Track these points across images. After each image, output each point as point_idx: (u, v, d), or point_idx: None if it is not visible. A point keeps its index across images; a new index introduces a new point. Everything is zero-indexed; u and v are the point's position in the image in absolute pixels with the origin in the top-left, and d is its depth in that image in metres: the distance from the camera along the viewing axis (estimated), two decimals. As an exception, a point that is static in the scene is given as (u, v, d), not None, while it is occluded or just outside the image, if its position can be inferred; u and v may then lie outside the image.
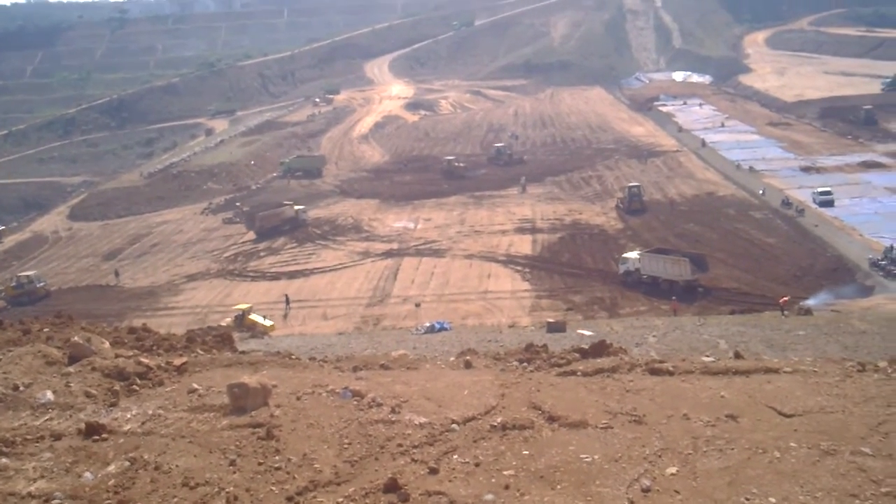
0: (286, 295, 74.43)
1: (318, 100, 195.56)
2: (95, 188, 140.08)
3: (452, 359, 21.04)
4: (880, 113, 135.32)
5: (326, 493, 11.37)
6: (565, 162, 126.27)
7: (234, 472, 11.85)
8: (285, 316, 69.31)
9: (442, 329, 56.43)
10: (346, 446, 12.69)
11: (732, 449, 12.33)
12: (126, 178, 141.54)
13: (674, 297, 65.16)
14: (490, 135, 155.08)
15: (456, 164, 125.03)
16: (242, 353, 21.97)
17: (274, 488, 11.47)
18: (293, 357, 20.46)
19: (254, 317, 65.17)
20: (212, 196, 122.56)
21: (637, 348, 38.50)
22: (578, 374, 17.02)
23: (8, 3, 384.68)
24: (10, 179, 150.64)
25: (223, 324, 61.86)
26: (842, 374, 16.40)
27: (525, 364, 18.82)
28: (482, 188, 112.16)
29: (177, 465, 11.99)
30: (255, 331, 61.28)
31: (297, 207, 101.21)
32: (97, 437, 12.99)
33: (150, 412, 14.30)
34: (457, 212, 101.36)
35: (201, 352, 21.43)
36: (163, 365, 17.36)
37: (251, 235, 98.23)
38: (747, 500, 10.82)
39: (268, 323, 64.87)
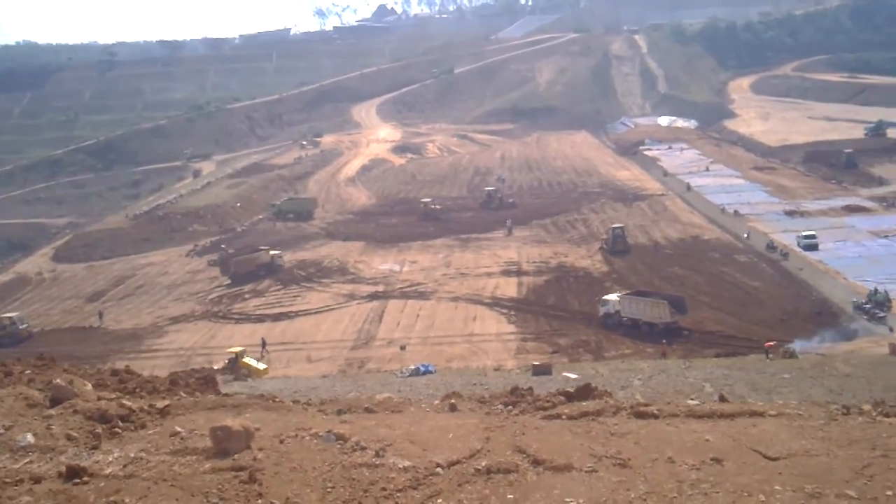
0: (263, 339, 74.04)
1: (305, 142, 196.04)
2: (80, 230, 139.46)
3: (437, 402, 20.97)
4: (863, 157, 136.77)
5: (309, 538, 11.29)
6: (551, 205, 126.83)
7: (216, 517, 11.74)
8: (260, 359, 68.64)
9: (427, 372, 56.23)
10: (329, 490, 12.59)
11: (717, 492, 12.30)
12: (111, 220, 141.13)
13: (664, 341, 65.31)
14: (477, 178, 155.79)
15: (432, 206, 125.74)
16: (226, 395, 21.82)
17: (256, 532, 11.37)
18: (276, 400, 20.35)
19: (247, 360, 64.63)
20: (197, 238, 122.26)
21: (622, 391, 38.44)
22: (563, 417, 16.98)
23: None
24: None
25: (215, 367, 61.55)
26: (826, 417, 16.44)
27: (510, 407, 18.77)
28: (468, 231, 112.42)
29: (158, 510, 11.86)
30: (249, 374, 60.88)
31: (272, 252, 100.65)
32: (78, 481, 12.82)
33: (132, 455, 14.15)
34: (442, 254, 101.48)
35: (184, 394, 21.28)
36: (145, 407, 17.21)
37: (226, 280, 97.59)
38: (732, 544, 10.80)
39: (261, 366, 64.22)
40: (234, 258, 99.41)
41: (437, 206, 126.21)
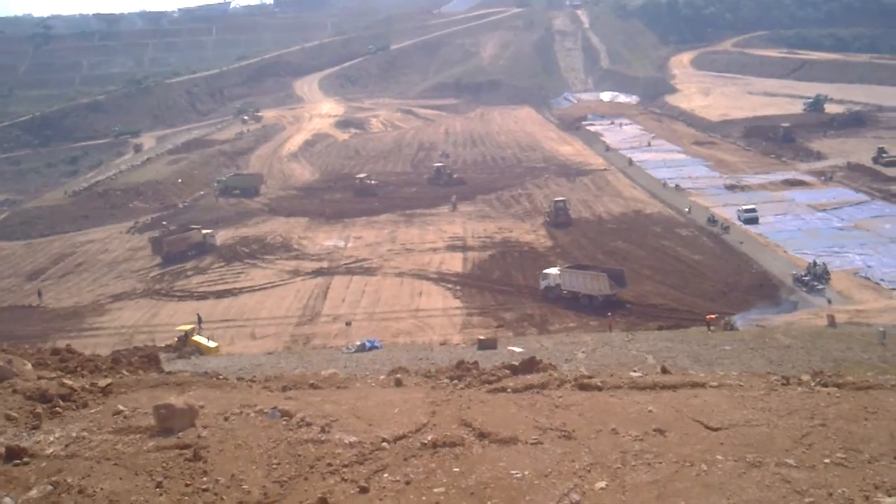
0: (198, 314, 73.41)
1: (246, 117, 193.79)
2: (18, 207, 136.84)
3: (383, 377, 20.98)
4: (802, 132, 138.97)
5: (256, 514, 11.26)
6: (495, 180, 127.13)
7: (161, 495, 11.64)
8: (196, 330, 67.85)
9: (373, 347, 56.13)
10: (275, 466, 12.56)
11: (660, 463, 12.48)
12: (50, 197, 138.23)
13: (609, 314, 65.97)
14: (421, 153, 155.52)
15: (367, 181, 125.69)
16: (169, 373, 21.60)
17: (202, 510, 11.32)
18: (221, 377, 20.23)
19: (197, 338, 63.72)
20: (138, 215, 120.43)
21: (566, 364, 38.75)
22: (508, 390, 17.10)
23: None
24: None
25: (166, 344, 60.91)
26: (767, 387, 16.74)
27: (456, 381, 18.86)
28: (413, 206, 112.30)
29: (101, 489, 11.72)
30: (200, 352, 60.03)
31: (204, 232, 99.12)
32: (18, 462, 12.62)
33: (74, 435, 13.96)
34: (388, 230, 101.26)
35: (127, 373, 21.04)
36: (87, 386, 16.96)
37: (158, 260, 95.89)
38: (675, 512, 10.97)
39: (212, 344, 63.09)
40: (165, 238, 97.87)
41: (373, 182, 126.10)
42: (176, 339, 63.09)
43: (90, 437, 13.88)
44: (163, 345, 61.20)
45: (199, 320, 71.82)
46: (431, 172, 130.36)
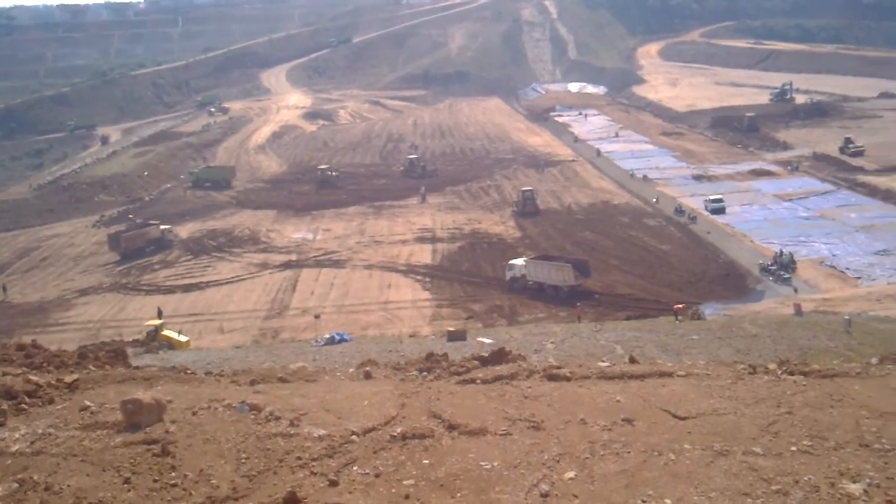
0: (158, 308, 72.96)
1: (213, 109, 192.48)
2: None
3: (352, 370, 20.96)
4: (769, 123, 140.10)
5: (224, 509, 11.21)
6: (464, 172, 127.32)
7: (129, 491, 11.56)
8: (165, 325, 67.36)
9: (342, 340, 55.93)
10: (243, 461, 12.50)
11: (628, 452, 12.56)
12: (14, 191, 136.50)
13: (578, 304, 66.31)
14: (389, 145, 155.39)
15: (329, 172, 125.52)
16: (136, 368, 21.45)
17: (170, 506, 11.25)
18: (189, 372, 20.11)
19: (167, 332, 63.10)
20: (104, 208, 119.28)
21: (536, 355, 38.84)
22: (478, 381, 17.12)
23: None
24: None
25: (135, 339, 60.37)
26: (733, 376, 16.87)
27: (425, 373, 18.86)
28: (381, 198, 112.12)
29: (68, 486, 11.62)
30: (171, 347, 59.43)
31: (162, 227, 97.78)
32: (-17, 459, 12.51)
33: (40, 431, 13.82)
34: (356, 222, 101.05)
35: (94, 368, 20.83)
36: (53, 382, 16.80)
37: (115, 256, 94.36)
38: (643, 502, 11.03)
39: (183, 338, 62.36)
40: (122, 234, 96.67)
41: (334, 173, 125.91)
42: (145, 333, 62.50)
43: (56, 433, 13.75)
44: (131, 340, 60.65)
45: (160, 314, 71.33)
46: (405, 164, 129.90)
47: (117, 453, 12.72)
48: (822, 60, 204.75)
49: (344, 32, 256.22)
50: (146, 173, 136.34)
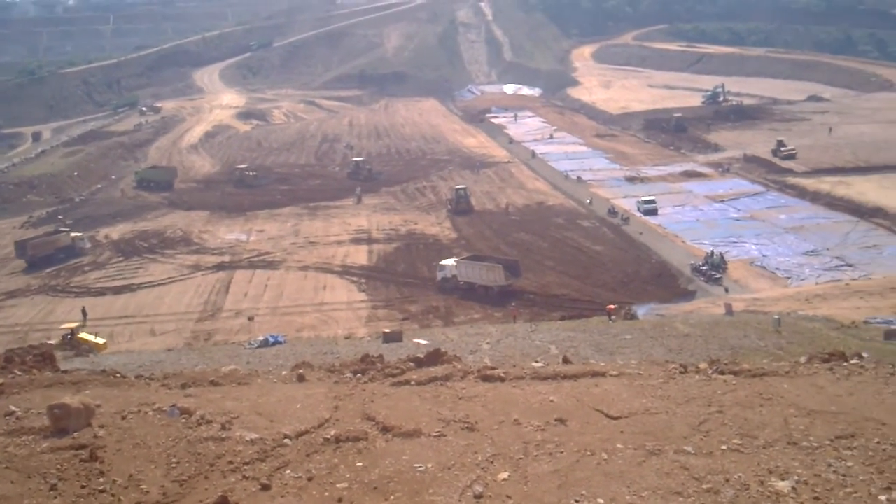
0: (83, 308, 71.62)
1: (144, 108, 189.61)
2: None
3: (285, 373, 20.84)
4: (700, 124, 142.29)
5: (154, 515, 11.04)
6: (400, 172, 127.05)
7: (56, 497, 11.35)
8: (82, 327, 66.27)
9: (276, 343, 55.50)
10: (174, 465, 12.34)
11: (562, 452, 12.65)
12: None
13: (513, 304, 66.71)
14: (325, 145, 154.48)
15: (247, 172, 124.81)
16: (65, 372, 21.06)
17: (98, 512, 11.05)
18: (118, 375, 19.79)
19: (84, 335, 61.92)
20: (32, 209, 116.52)
21: (472, 356, 38.97)
22: (412, 383, 17.14)
23: None
24: None
25: (50, 342, 58.94)
26: (665, 376, 17.12)
27: (359, 375, 18.82)
28: (316, 199, 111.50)
29: (-9, 493, 11.37)
30: (82, 349, 58.39)
31: (73, 235, 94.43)
32: None
33: (-37, 438, 13.50)
34: (291, 223, 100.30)
35: (20, 372, 20.45)
36: (-24, 387, 16.43)
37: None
38: (577, 501, 11.12)
39: (100, 341, 61.30)
40: (29, 241, 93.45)
41: (251, 173, 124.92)
42: (61, 337, 61.21)
43: (-20, 440, 13.43)
44: (51, 343, 59.36)
45: (84, 315, 69.99)
46: (350, 167, 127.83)
47: (44, 459, 12.48)
48: (752, 63, 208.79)
49: (260, 36, 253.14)
50: (76, 173, 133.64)
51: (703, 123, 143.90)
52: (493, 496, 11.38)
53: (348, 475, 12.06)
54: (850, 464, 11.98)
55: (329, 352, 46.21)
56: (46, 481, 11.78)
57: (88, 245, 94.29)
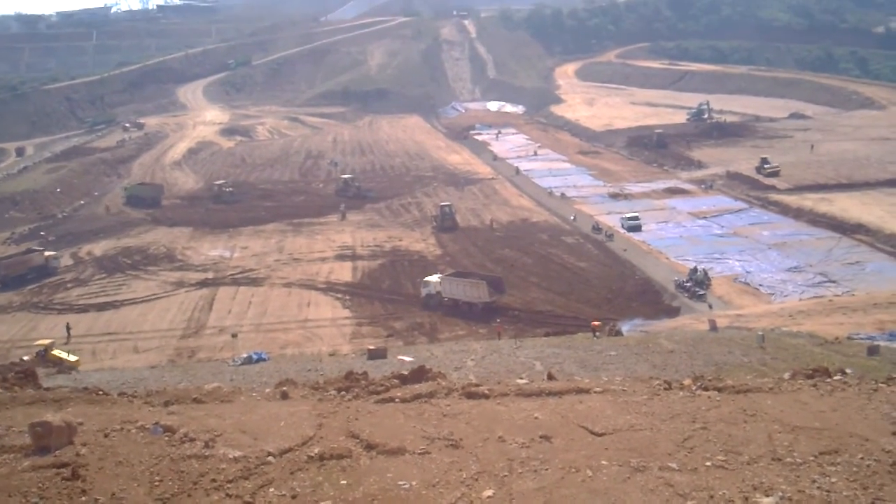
0: (67, 324, 71.36)
1: (128, 125, 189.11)
2: None
3: (269, 390, 20.71)
4: (682, 141, 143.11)
5: (136, 534, 10.96)
6: (384, 189, 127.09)
7: (36, 517, 11.24)
8: (66, 345, 66.03)
9: (260, 360, 55.35)
10: (157, 484, 12.24)
11: (546, 469, 12.62)
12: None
13: (498, 321, 66.82)
14: (308, 161, 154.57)
15: (224, 188, 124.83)
16: (47, 389, 20.92)
17: (80, 531, 10.96)
18: (101, 393, 19.64)
19: (57, 352, 61.55)
20: (14, 225, 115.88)
21: (456, 372, 38.90)
22: (397, 400, 17.07)
23: None
24: None
25: (24, 359, 58.49)
26: (649, 392, 17.10)
27: (343, 393, 18.73)
28: (300, 215, 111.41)
29: (-29, 513, 11.26)
30: (62, 367, 58.02)
31: (47, 254, 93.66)
32: None
33: (-57, 457, 13.37)
34: (275, 239, 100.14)
35: (1, 389, 20.29)
36: (-43, 406, 16.29)
37: None
38: (561, 518, 11.10)
39: (73, 358, 61.13)
40: (2, 261, 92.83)
41: (228, 189, 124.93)
42: (35, 353, 60.76)
43: (-40, 458, 13.30)
44: (25, 359, 58.84)
45: (69, 331, 69.74)
46: (338, 184, 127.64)
47: (25, 478, 12.36)
48: (734, 81, 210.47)
49: (238, 55, 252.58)
50: (59, 190, 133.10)
51: (684, 140, 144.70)
52: (477, 514, 11.36)
53: (332, 493, 11.99)
54: (833, 479, 11.99)
55: (313, 369, 46.09)
56: (28, 500, 11.67)
57: (60, 265, 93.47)
